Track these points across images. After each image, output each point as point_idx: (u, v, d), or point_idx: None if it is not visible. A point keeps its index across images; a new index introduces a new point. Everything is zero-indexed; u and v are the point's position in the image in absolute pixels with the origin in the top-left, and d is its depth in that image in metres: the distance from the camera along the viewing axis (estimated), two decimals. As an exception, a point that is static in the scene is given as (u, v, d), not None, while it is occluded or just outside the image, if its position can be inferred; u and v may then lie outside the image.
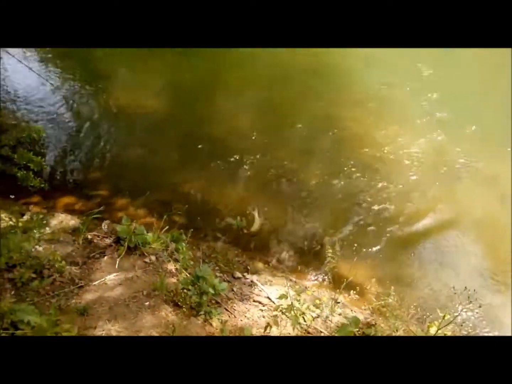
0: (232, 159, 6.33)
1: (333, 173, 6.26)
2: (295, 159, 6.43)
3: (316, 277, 4.78)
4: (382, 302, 4.50)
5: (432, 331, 3.46)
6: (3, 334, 2.59)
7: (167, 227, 4.85)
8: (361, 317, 4.25)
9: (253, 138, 6.75)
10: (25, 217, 4.96)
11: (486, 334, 4.32)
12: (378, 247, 5.21)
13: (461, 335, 3.99)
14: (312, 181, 6.11)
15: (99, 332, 2.99)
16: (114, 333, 3.00)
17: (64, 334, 2.67)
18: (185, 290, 3.52)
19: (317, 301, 3.98)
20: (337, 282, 4.65)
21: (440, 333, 3.39)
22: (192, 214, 5.43)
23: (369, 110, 7.50)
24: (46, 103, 7.02)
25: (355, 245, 5.17)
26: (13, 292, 3.28)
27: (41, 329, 2.62)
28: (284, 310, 3.89)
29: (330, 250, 3.95)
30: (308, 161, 6.47)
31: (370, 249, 5.13)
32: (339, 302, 4.26)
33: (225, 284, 3.57)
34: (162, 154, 6.36)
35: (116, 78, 7.98)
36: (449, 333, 3.55)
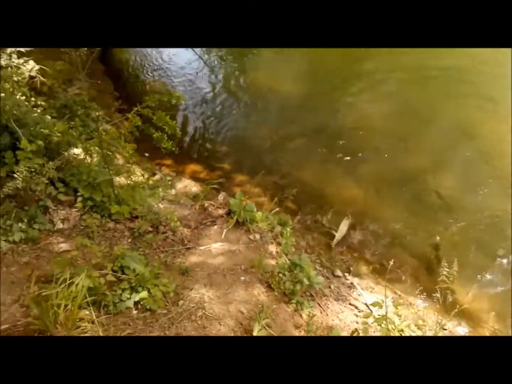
0: (358, 155, 6.06)
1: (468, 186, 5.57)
2: (425, 164, 5.89)
3: (425, 296, 4.33)
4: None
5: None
6: (111, 275, 2.87)
7: (277, 209, 4.88)
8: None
9: (384, 136, 6.34)
10: (156, 176, 5.48)
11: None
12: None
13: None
14: (443, 191, 5.51)
15: (193, 294, 3.14)
16: (206, 298, 3.12)
17: (161, 288, 2.86)
18: (280, 275, 3.48)
19: (420, 322, 3.60)
20: (449, 308, 4.18)
21: None
22: (304, 202, 5.36)
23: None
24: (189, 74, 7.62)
25: (481, 272, 4.53)
26: (129, 240, 3.62)
27: (143, 278, 2.84)
28: (377, 319, 3.62)
29: (447, 269, 3.50)
30: (440, 167, 5.87)
31: (496, 280, 4.45)
32: (445, 329, 3.79)
33: (321, 278, 3.44)
34: (289, 138, 6.39)
35: (257, 60, 8.26)
36: None
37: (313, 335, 3.07)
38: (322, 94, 7.18)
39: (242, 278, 3.45)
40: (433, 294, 4.32)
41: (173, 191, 5.19)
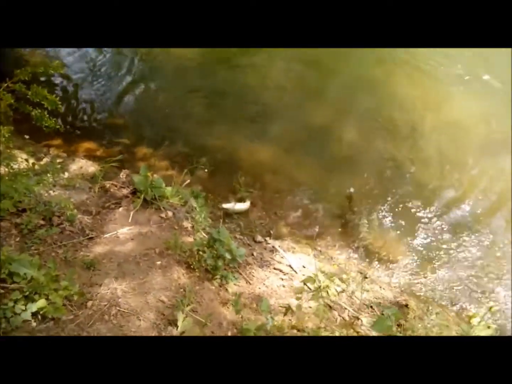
0: (262, 116, 5.87)
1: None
2: (331, 117, 5.91)
3: (345, 249, 4.41)
4: (415, 280, 4.14)
5: (475, 322, 3.07)
6: (-2, 286, 2.38)
7: (188, 181, 4.56)
8: (390, 295, 3.91)
9: (288, 96, 6.21)
10: (44, 160, 4.77)
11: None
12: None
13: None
14: (353, 141, 5.58)
15: (104, 290, 2.75)
16: (119, 293, 2.76)
17: (62, 292, 2.43)
18: (200, 252, 3.22)
19: (344, 276, 3.63)
20: (368, 256, 4.32)
21: (484, 324, 3.00)
22: (215, 170, 5.09)
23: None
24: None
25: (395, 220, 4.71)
26: (18, 239, 3.07)
27: (38, 284, 2.38)
28: (305, 281, 3.59)
29: (366, 223, 3.55)
30: (347, 119, 5.93)
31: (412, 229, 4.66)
32: (367, 277, 3.90)
33: (243, 250, 3.25)
34: (191, 104, 5.95)
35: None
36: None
37: (241, 311, 2.89)
38: (221, 58, 6.77)
39: (158, 262, 3.12)
40: (351, 246, 4.44)
41: (66, 175, 4.56)
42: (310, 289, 3.47)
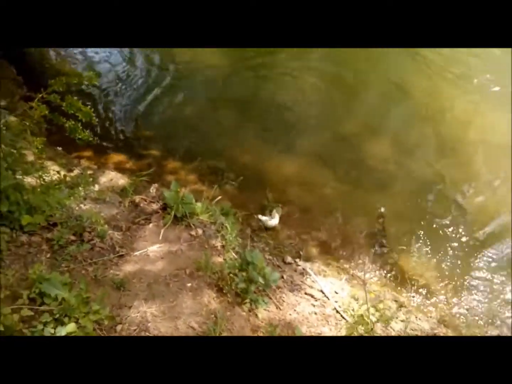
0: (294, 128, 5.76)
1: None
2: (362, 129, 5.76)
3: (376, 272, 4.24)
4: (453, 311, 3.93)
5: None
6: (28, 307, 2.33)
7: (219, 197, 4.47)
8: (427, 326, 3.72)
9: (318, 107, 6.09)
10: (75, 172, 4.78)
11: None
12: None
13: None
14: (386, 156, 5.41)
15: (133, 313, 2.67)
16: (149, 316, 2.67)
17: (92, 316, 2.36)
18: (231, 275, 3.12)
19: (380, 305, 3.46)
20: (402, 282, 4.13)
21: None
22: (244, 185, 5.00)
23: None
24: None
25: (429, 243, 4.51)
26: (49, 255, 3.03)
27: (68, 306, 2.32)
28: (339, 309, 3.44)
29: (401, 247, 3.39)
30: (379, 132, 5.77)
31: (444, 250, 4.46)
32: (403, 306, 3.72)
33: (277, 274, 3.13)
34: (219, 116, 5.90)
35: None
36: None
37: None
38: (249, 67, 6.73)
39: (189, 284, 3.04)
40: (385, 270, 4.26)
41: (96, 187, 4.55)
42: (344, 318, 3.32)
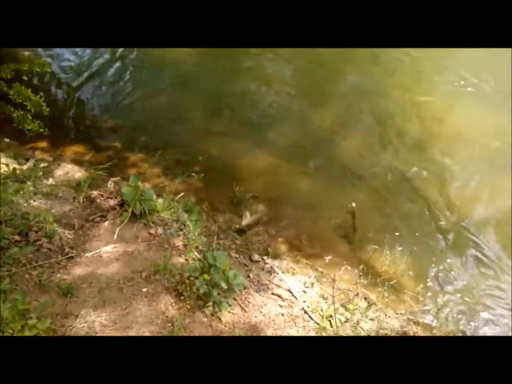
0: (262, 122, 5.55)
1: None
2: (334, 125, 5.62)
3: (348, 271, 4.10)
4: (424, 307, 3.84)
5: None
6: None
7: (182, 193, 4.22)
8: (397, 324, 3.61)
9: (289, 102, 5.89)
10: (27, 165, 4.43)
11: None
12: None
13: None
14: (357, 151, 5.28)
15: (79, 323, 2.42)
16: (97, 327, 2.43)
17: (28, 332, 2.09)
18: (192, 278, 2.89)
19: (350, 306, 3.32)
20: (372, 279, 4.01)
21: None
22: (211, 179, 4.76)
23: None
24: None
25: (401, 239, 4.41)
26: (-13, 259, 2.73)
27: (1, 321, 2.05)
28: (308, 309, 3.29)
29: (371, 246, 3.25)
30: (351, 127, 5.64)
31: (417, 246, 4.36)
32: (373, 304, 3.59)
33: (241, 277, 2.91)
34: (187, 109, 5.61)
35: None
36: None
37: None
38: (218, 60, 6.44)
39: (144, 289, 2.79)
40: (355, 267, 4.13)
41: (50, 181, 4.22)
42: (312, 319, 3.17)
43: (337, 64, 6.63)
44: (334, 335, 3.10)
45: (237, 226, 4.23)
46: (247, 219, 4.30)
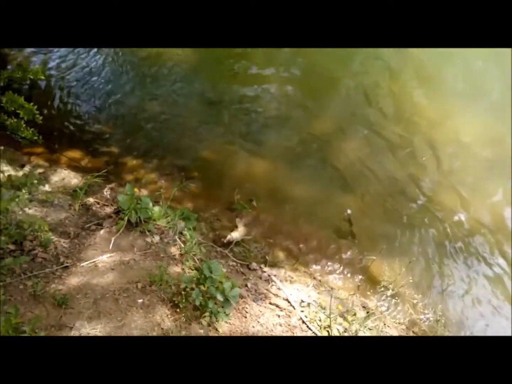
0: (262, 127, 5.52)
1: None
2: (331, 130, 5.60)
3: (346, 279, 4.07)
4: (423, 316, 3.82)
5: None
6: None
7: (180, 200, 4.19)
8: (395, 333, 3.58)
9: (286, 107, 5.86)
10: (23, 171, 4.39)
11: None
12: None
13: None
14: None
15: (74, 335, 2.38)
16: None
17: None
18: (187, 290, 2.85)
19: (349, 317, 3.29)
20: (371, 287, 3.98)
21: None
22: (208, 185, 4.73)
23: None
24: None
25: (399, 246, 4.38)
26: (-20, 269, 2.69)
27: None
28: (306, 319, 3.25)
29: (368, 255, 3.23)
30: (349, 133, 5.61)
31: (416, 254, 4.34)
32: (371, 312, 3.55)
33: (237, 289, 2.87)
34: (185, 114, 5.58)
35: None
36: None
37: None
38: (215, 61, 6.41)
39: (140, 300, 2.76)
40: (353, 275, 4.10)
41: (46, 187, 4.18)
42: (310, 329, 3.13)
43: (335, 68, 6.60)
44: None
45: (230, 237, 4.11)
46: (237, 232, 4.20)
